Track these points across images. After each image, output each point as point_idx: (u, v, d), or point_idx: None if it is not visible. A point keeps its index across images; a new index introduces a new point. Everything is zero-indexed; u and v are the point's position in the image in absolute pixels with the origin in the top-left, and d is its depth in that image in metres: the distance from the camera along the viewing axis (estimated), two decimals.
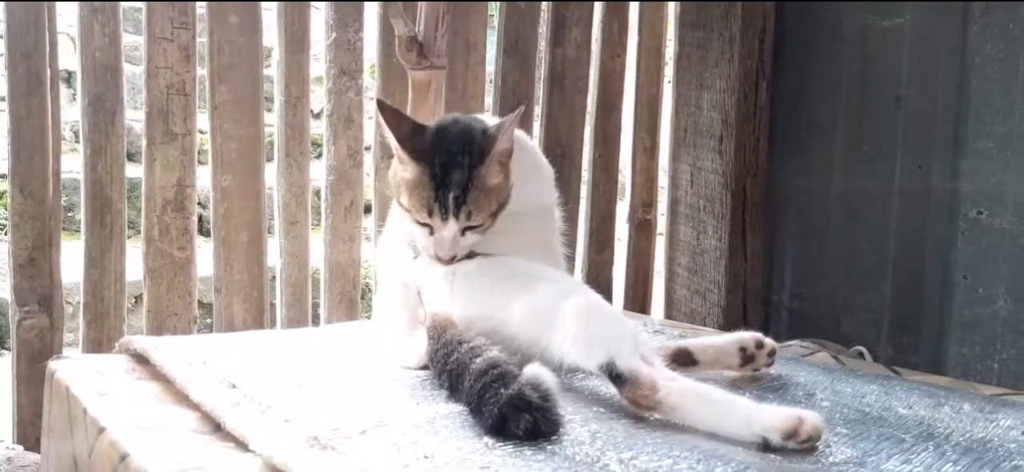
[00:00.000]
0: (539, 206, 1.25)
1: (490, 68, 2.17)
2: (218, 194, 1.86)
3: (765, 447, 0.90)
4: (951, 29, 2.06)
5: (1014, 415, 1.06)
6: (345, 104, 1.98)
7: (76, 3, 1.72)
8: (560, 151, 2.21)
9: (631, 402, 0.97)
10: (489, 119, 1.22)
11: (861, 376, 1.23)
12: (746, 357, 1.18)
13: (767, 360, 1.19)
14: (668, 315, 2.49)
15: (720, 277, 2.34)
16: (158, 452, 0.86)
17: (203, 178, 1.90)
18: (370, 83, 2.19)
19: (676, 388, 0.96)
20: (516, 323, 1.07)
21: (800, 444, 0.90)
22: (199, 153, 1.89)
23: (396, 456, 0.83)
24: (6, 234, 1.70)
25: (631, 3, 2.36)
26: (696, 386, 0.97)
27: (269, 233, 1.95)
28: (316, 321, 2.03)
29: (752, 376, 1.19)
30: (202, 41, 1.83)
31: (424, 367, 1.11)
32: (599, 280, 2.33)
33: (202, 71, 1.83)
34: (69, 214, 2.72)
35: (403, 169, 1.13)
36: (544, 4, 2.21)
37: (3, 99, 1.68)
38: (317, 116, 2.58)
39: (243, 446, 0.86)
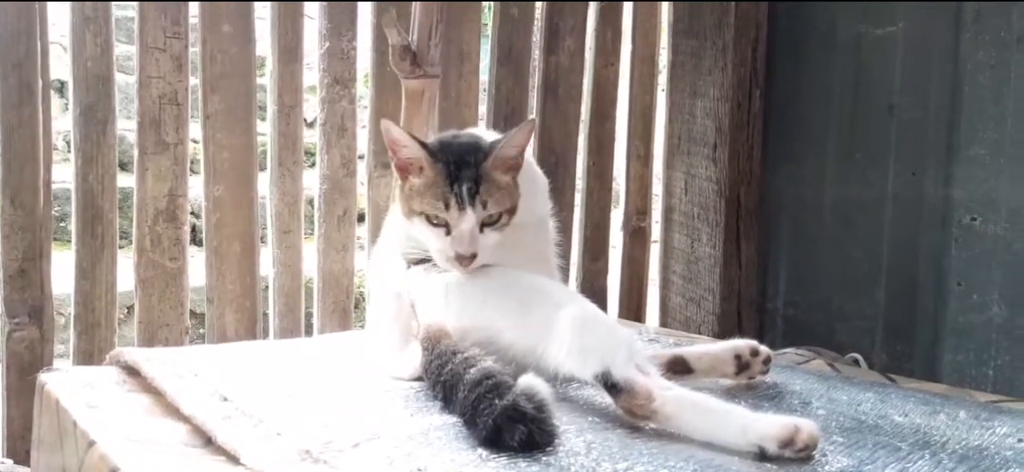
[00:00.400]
0: (534, 218, 1.24)
1: (484, 77, 2.17)
2: (210, 204, 1.85)
3: (761, 456, 0.89)
4: (943, 36, 2.07)
5: (1010, 422, 1.06)
6: (338, 113, 1.97)
7: (68, 12, 1.71)
8: (554, 159, 2.21)
9: (627, 412, 0.97)
10: (486, 134, 1.23)
11: (857, 384, 1.23)
12: (741, 365, 1.18)
13: (762, 368, 1.19)
14: (663, 323, 2.49)
15: (715, 285, 2.34)
16: (148, 466, 0.86)
17: (196, 188, 1.89)
18: (363, 92, 2.18)
19: (672, 397, 0.95)
20: (511, 333, 1.06)
21: (796, 453, 0.90)
22: (192, 163, 1.89)
23: (389, 469, 0.83)
24: None
25: (626, 3, 2.36)
26: (692, 395, 0.96)
27: (262, 243, 1.94)
28: (309, 331, 2.02)
29: (747, 384, 1.18)
30: (195, 51, 1.82)
31: (418, 378, 1.10)
32: (594, 288, 2.33)
33: (195, 81, 1.82)
34: (61, 225, 2.70)
35: (418, 177, 1.13)
36: (537, 13, 2.21)
37: None
38: (310, 125, 2.58)
39: (234, 460, 0.86)
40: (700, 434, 0.93)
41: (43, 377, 1.13)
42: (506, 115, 2.13)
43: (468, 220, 1.09)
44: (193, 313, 1.94)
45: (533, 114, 2.22)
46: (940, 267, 2.09)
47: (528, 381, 0.93)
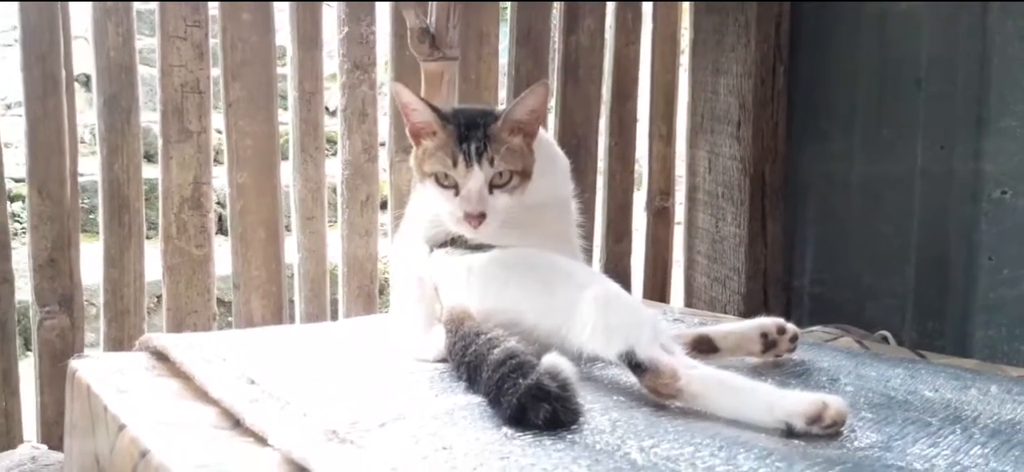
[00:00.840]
0: (555, 198, 1.24)
1: (503, 59, 2.16)
2: (234, 191, 1.86)
3: (788, 433, 0.88)
4: (970, 8, 2.03)
5: None
6: (359, 98, 1.98)
7: (90, 4, 1.72)
8: (575, 141, 2.19)
9: (652, 391, 0.96)
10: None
11: (886, 360, 1.21)
12: (768, 343, 1.17)
13: (789, 346, 1.18)
14: (688, 303, 2.47)
15: (740, 264, 2.32)
16: (178, 448, 0.86)
17: (220, 177, 1.90)
18: (383, 77, 2.18)
19: (697, 376, 0.95)
20: (534, 314, 1.06)
21: (824, 429, 0.89)
22: (217, 152, 1.90)
23: (415, 448, 0.83)
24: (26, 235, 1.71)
25: None
26: (717, 373, 0.95)
27: (286, 230, 1.95)
28: (334, 316, 2.03)
29: (774, 362, 1.17)
30: (215, 40, 1.83)
31: (442, 360, 1.10)
32: (617, 270, 2.32)
33: (216, 69, 1.83)
34: (90, 217, 2.74)
35: (429, 140, 1.13)
36: None
37: (20, 103, 1.69)
38: (332, 113, 2.58)
39: (262, 441, 0.86)
40: (726, 412, 0.92)
41: (74, 364, 1.15)
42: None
43: (476, 178, 1.09)
44: (220, 300, 1.96)
45: (554, 95, 2.21)
46: (970, 242, 2.06)
47: (552, 360, 0.93)
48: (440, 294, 1.17)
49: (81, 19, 1.77)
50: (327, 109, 2.42)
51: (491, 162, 1.09)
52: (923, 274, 2.15)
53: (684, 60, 2.48)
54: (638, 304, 1.10)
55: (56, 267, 1.69)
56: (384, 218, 2.20)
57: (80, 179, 1.82)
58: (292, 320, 1.97)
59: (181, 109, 1.79)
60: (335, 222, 2.02)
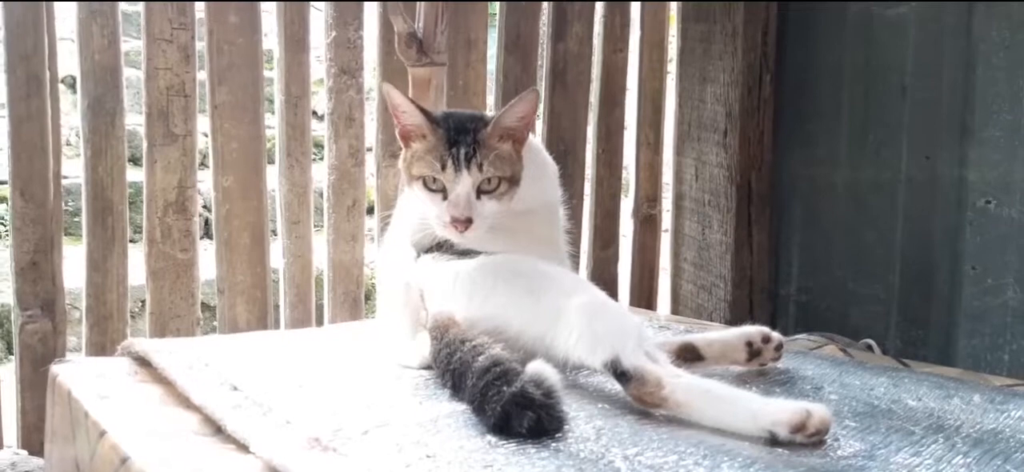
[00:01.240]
0: (543, 204, 1.24)
1: (491, 65, 2.16)
2: (220, 195, 1.85)
3: (772, 441, 0.89)
4: (956, 16, 2.04)
5: None
6: (346, 103, 1.97)
7: (75, 5, 1.71)
8: (563, 148, 2.20)
9: (637, 399, 0.96)
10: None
11: (870, 369, 1.22)
12: (752, 351, 1.17)
13: (774, 354, 1.18)
14: (674, 311, 2.48)
15: (726, 272, 2.33)
16: (159, 455, 0.86)
17: (205, 180, 1.89)
18: (371, 82, 2.17)
19: (681, 385, 0.95)
20: (520, 321, 1.06)
21: (808, 438, 0.89)
22: (203, 155, 1.89)
23: (398, 456, 0.82)
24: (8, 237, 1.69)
25: None
26: (702, 382, 0.96)
27: (272, 234, 1.94)
28: (320, 321, 2.02)
29: (759, 370, 1.17)
30: (202, 43, 1.82)
31: (427, 367, 1.10)
32: (604, 277, 2.32)
33: (202, 72, 1.82)
34: (74, 219, 2.71)
35: (419, 143, 1.13)
36: None
37: (3, 105, 1.68)
38: (320, 118, 2.58)
39: (244, 449, 0.86)
40: (711, 421, 0.92)
41: (55, 368, 1.14)
42: None
43: (464, 183, 1.09)
44: (204, 305, 1.94)
45: (542, 102, 2.21)
46: (955, 250, 2.07)
47: (536, 368, 0.93)
48: (426, 300, 1.16)
49: (68, 20, 1.76)
50: (315, 113, 2.41)
51: (480, 168, 1.09)
52: (907, 282, 2.16)
53: (672, 67, 2.49)
54: (624, 312, 1.10)
55: (38, 270, 1.68)
56: (371, 223, 2.19)
57: (65, 181, 1.80)
58: (277, 325, 1.96)
59: (166, 112, 1.77)
60: (321, 227, 2.01)
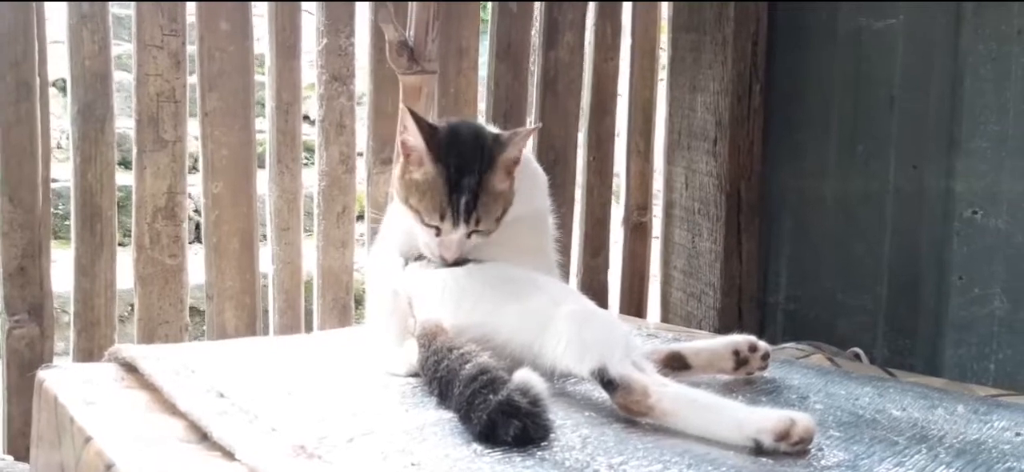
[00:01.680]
0: (533, 213, 1.24)
1: (483, 73, 2.16)
2: (209, 201, 1.85)
3: (757, 450, 0.89)
4: (944, 29, 2.06)
5: (1008, 416, 1.05)
6: (337, 110, 1.97)
7: (66, 10, 1.71)
8: (553, 155, 2.20)
9: (623, 408, 0.97)
10: (492, 128, 1.23)
11: (855, 378, 1.23)
12: (739, 361, 1.17)
13: (760, 363, 1.19)
14: (664, 318, 2.48)
15: (715, 280, 2.34)
16: (144, 462, 0.86)
17: (195, 186, 1.89)
18: (363, 89, 2.18)
19: (668, 393, 0.95)
20: (508, 329, 1.06)
21: (792, 446, 0.89)
22: (194, 160, 1.88)
23: (383, 464, 0.83)
24: None
25: (624, 4, 2.36)
26: (687, 391, 0.96)
27: (261, 240, 1.94)
28: (310, 327, 2.02)
29: (746, 379, 1.18)
30: (193, 48, 1.82)
31: (414, 375, 1.10)
32: (594, 284, 2.33)
33: (193, 78, 1.82)
34: (65, 223, 2.70)
35: (417, 170, 1.13)
36: (536, 7, 2.20)
37: None
38: (312, 123, 2.58)
39: (229, 456, 0.86)
40: (696, 430, 0.93)
41: (42, 374, 1.13)
42: (505, 111, 2.13)
43: (459, 232, 1.12)
44: (193, 310, 1.94)
45: (533, 109, 2.22)
46: (942, 261, 2.09)
47: (523, 376, 0.93)
48: (414, 307, 1.16)
49: (60, 24, 1.76)
50: (307, 118, 2.41)
51: (478, 221, 1.12)
52: (895, 292, 2.17)
53: (663, 76, 2.50)
54: (612, 322, 1.11)
55: (26, 275, 1.67)
56: (361, 229, 2.19)
57: (56, 185, 1.80)
58: (266, 331, 1.95)
59: (156, 118, 1.77)
60: (311, 233, 2.01)
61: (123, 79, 2.57)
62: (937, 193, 2.08)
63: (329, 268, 1.99)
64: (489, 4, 2.16)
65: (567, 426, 0.95)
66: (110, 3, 1.75)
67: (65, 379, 1.11)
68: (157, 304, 1.80)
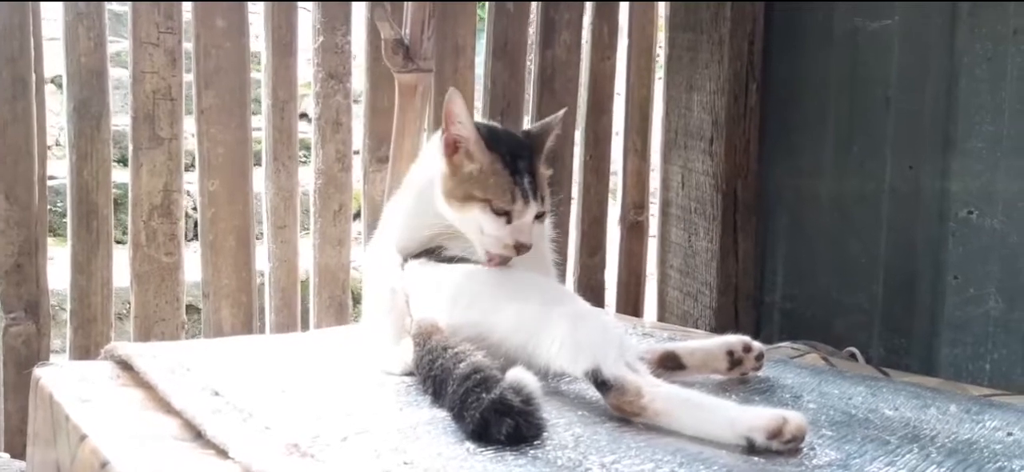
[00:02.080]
0: None
1: (479, 71, 2.16)
2: (205, 199, 1.85)
3: (750, 449, 0.89)
4: (939, 29, 2.06)
5: (1000, 416, 1.06)
6: (333, 108, 1.97)
7: (61, 7, 1.71)
8: (550, 154, 2.20)
9: (616, 408, 0.97)
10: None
11: (849, 378, 1.23)
12: (734, 361, 1.18)
13: (755, 363, 1.19)
14: (661, 317, 2.49)
15: (712, 279, 2.34)
16: (139, 459, 0.86)
17: (192, 183, 1.89)
18: (359, 87, 2.18)
19: (661, 393, 0.96)
20: (503, 329, 1.06)
21: (784, 444, 0.90)
22: (190, 160, 1.88)
23: (376, 462, 0.83)
24: None
25: (621, 3, 2.36)
26: (680, 391, 0.97)
27: (257, 238, 1.94)
28: (305, 325, 2.02)
29: (740, 379, 1.18)
30: (189, 46, 1.82)
31: (410, 373, 1.10)
32: (591, 283, 2.33)
33: (189, 76, 1.82)
34: (62, 221, 2.70)
35: (469, 163, 1.13)
36: (533, 6, 2.20)
37: None
38: (309, 120, 2.58)
39: (223, 454, 0.86)
40: (689, 429, 0.93)
41: (38, 371, 1.13)
42: (502, 109, 2.13)
43: (531, 212, 1.12)
44: (190, 308, 1.94)
45: (529, 108, 2.22)
46: (937, 260, 2.09)
47: (516, 375, 0.93)
48: (411, 306, 1.17)
49: (56, 21, 1.75)
50: (303, 115, 2.41)
51: (541, 200, 1.13)
52: (891, 292, 2.17)
53: (660, 75, 2.50)
54: (606, 322, 1.11)
55: (22, 273, 1.67)
56: (358, 227, 2.19)
57: (52, 182, 1.80)
58: (262, 329, 1.96)
59: (152, 116, 1.77)
60: (307, 231, 2.01)
61: (119, 76, 2.57)
62: (933, 193, 2.09)
63: (325, 266, 1.99)
64: (486, 3, 2.16)
65: (560, 425, 0.95)
66: (106, 0, 1.75)
67: (61, 377, 1.11)
68: (153, 302, 1.80)
